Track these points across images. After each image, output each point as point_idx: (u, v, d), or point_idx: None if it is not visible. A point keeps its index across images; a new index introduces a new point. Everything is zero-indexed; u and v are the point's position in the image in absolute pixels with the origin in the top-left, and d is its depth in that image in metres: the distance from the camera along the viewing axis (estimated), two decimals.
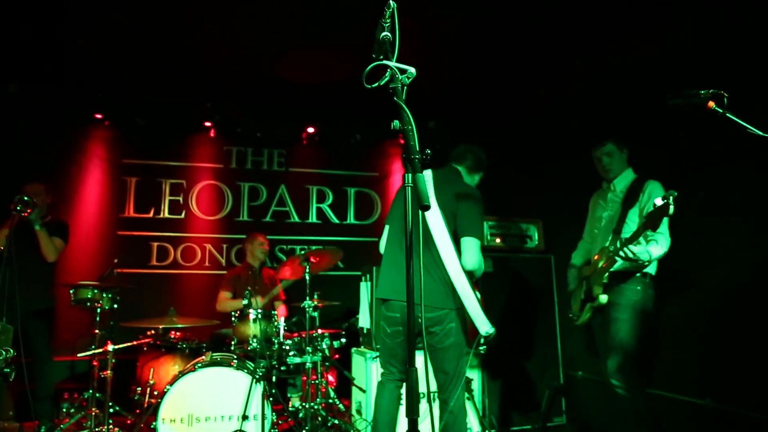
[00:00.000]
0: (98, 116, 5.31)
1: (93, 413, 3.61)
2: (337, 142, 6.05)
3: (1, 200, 3.75)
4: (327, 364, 4.15)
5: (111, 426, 3.52)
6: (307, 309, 3.94)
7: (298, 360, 3.85)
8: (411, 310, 1.50)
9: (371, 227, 6.10)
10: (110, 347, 3.56)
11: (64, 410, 3.85)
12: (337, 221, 6.03)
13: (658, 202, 2.58)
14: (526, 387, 4.39)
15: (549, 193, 5.02)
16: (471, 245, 2.70)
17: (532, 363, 4.46)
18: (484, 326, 2.70)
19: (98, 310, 3.72)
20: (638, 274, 3.09)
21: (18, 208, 3.48)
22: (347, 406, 4.37)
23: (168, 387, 3.26)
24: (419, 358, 1.86)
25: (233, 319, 3.80)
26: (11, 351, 2.20)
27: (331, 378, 4.35)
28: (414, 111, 1.56)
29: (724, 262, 3.20)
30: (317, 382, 3.98)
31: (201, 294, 5.29)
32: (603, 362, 3.19)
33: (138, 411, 3.80)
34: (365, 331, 4.22)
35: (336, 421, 3.94)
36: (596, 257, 3.22)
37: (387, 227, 3.02)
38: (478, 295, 2.76)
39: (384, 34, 1.67)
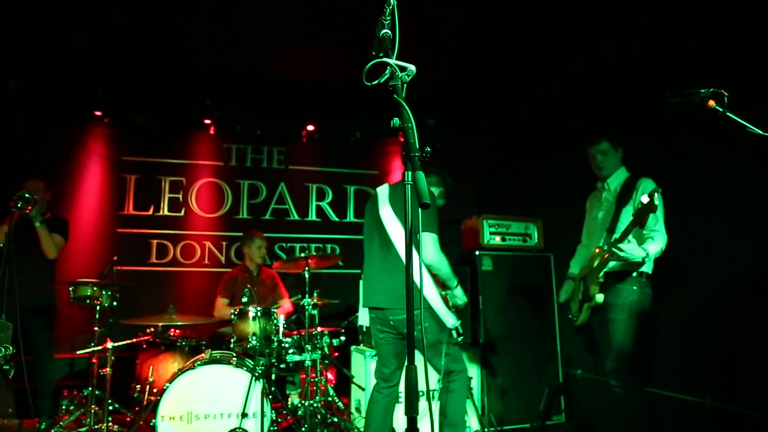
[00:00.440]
0: (98, 113, 5.30)
1: (92, 410, 3.63)
2: (336, 140, 6.04)
3: (0, 197, 3.74)
4: (326, 362, 4.15)
5: (110, 423, 3.52)
6: (307, 307, 3.94)
7: (297, 358, 3.85)
8: (410, 311, 1.50)
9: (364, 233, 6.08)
10: (109, 345, 3.57)
11: (64, 407, 3.85)
12: (336, 219, 6.03)
13: (644, 199, 2.62)
14: (525, 385, 4.39)
15: (549, 192, 5.02)
16: (427, 239, 2.81)
17: (531, 361, 4.46)
18: (450, 320, 2.87)
19: (97, 308, 3.73)
20: (634, 274, 3.09)
21: (18, 205, 3.47)
22: (346, 404, 4.38)
23: (167, 384, 3.26)
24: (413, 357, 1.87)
25: (233, 317, 3.80)
26: (10, 348, 2.19)
27: (330, 376, 4.36)
28: (414, 109, 1.56)
29: (723, 261, 3.20)
30: (316, 380, 3.98)
31: (200, 292, 5.29)
32: (602, 362, 3.20)
33: (137, 408, 3.81)
34: (365, 330, 4.23)
35: (335, 419, 3.94)
36: (592, 257, 3.23)
37: (364, 243, 3.22)
38: (440, 292, 2.93)
39: (384, 31, 1.66)
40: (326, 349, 4.10)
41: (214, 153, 5.76)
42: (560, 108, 5.00)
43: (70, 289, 3.75)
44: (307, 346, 3.86)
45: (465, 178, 6.18)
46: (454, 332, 2.86)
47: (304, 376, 4.01)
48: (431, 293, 2.85)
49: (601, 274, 3.10)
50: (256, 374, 3.37)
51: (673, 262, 3.41)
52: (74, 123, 5.30)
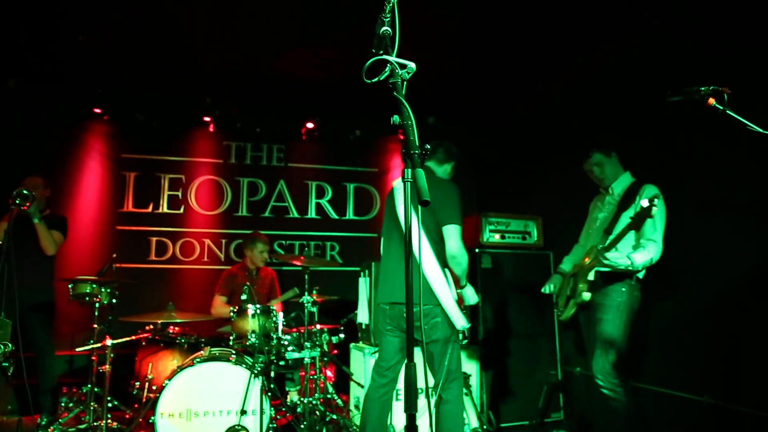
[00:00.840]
0: (97, 111, 5.30)
1: (92, 407, 3.63)
2: (336, 137, 6.04)
3: (0, 194, 3.74)
4: (325, 359, 4.16)
5: (109, 420, 3.53)
6: (306, 304, 3.95)
7: (296, 355, 3.86)
8: (410, 307, 1.51)
9: (370, 223, 6.10)
10: (109, 342, 3.57)
11: (63, 404, 3.85)
12: (336, 217, 6.03)
13: (644, 203, 2.62)
14: (524, 383, 4.40)
15: (548, 191, 5.02)
16: (453, 232, 2.80)
17: (530, 359, 4.47)
18: (460, 321, 2.80)
19: (97, 305, 3.73)
20: (625, 277, 3.10)
21: (17, 201, 3.48)
22: (345, 401, 4.38)
23: (166, 382, 3.26)
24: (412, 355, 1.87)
25: (232, 314, 3.80)
26: (9, 345, 2.20)
27: (329, 373, 4.36)
28: (414, 107, 1.56)
29: (723, 260, 3.20)
30: (316, 377, 3.98)
31: (200, 289, 5.29)
32: (588, 361, 3.21)
33: (136, 405, 3.81)
34: (364, 327, 4.23)
35: (334, 416, 3.95)
36: (585, 254, 3.24)
37: (382, 238, 3.16)
38: (455, 291, 2.87)
39: (384, 29, 1.66)
40: (325, 347, 4.10)
41: (213, 150, 5.75)
42: (560, 107, 5.00)
43: (69, 286, 3.75)
44: (306, 343, 3.86)
45: (465, 176, 6.15)
46: (460, 334, 2.82)
47: (303, 373, 4.01)
48: (444, 292, 2.78)
49: (592, 272, 3.10)
50: (255, 371, 3.37)
51: (673, 262, 3.41)
52: (74, 121, 5.30)
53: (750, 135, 1.83)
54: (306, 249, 5.75)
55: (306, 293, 3.96)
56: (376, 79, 1.64)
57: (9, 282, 2.88)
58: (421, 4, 3.74)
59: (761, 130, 1.83)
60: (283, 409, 3.98)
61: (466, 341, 2.90)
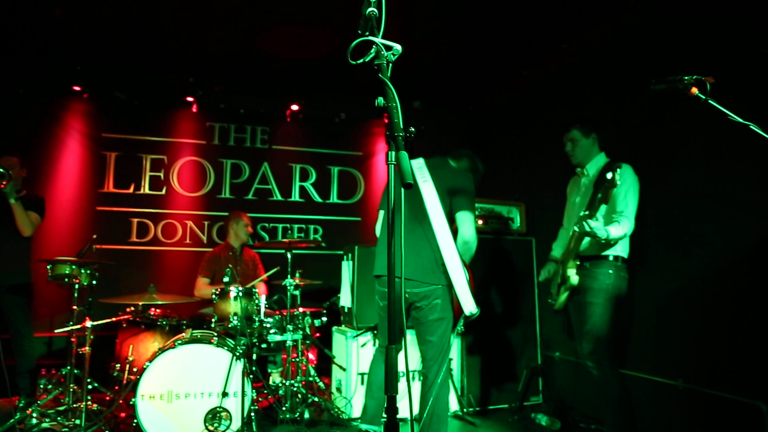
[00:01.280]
0: (76, 88, 5.16)
1: (71, 389, 3.59)
2: (321, 120, 5.99)
3: None
4: (308, 342, 4.17)
5: (89, 402, 3.50)
6: (289, 287, 3.94)
7: (278, 338, 3.86)
8: (391, 286, 1.51)
9: (354, 206, 6.09)
10: (88, 323, 3.53)
11: (42, 386, 3.82)
12: (320, 200, 6.01)
13: (608, 175, 2.65)
14: (505, 367, 4.46)
15: (532, 176, 5.05)
16: (468, 218, 2.86)
17: (511, 343, 4.53)
18: (470, 306, 2.76)
19: (76, 286, 3.67)
20: (611, 258, 3.13)
21: None
22: (327, 384, 4.41)
23: (147, 363, 3.25)
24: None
25: (214, 296, 3.78)
26: None
27: (311, 356, 4.38)
28: (400, 91, 1.55)
29: (700, 248, 3.26)
30: (298, 360, 4.00)
31: (182, 271, 5.25)
32: (578, 344, 3.26)
33: (117, 387, 3.79)
34: (346, 310, 4.24)
35: (316, 399, 3.97)
36: (569, 239, 3.27)
37: (381, 212, 3.17)
38: (468, 276, 2.83)
39: (370, 9, 1.64)
40: (308, 330, 4.12)
41: (196, 131, 5.67)
42: (545, 92, 5.01)
43: (48, 267, 3.69)
44: (288, 326, 3.87)
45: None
46: (462, 319, 2.80)
47: (285, 356, 4.02)
48: (459, 275, 2.77)
49: (576, 255, 3.14)
50: (237, 354, 3.37)
51: (651, 247, 3.47)
52: (52, 98, 5.16)
53: (731, 123, 1.85)
54: (289, 232, 5.73)
55: (289, 276, 3.96)
56: (361, 61, 1.62)
57: None
58: None
59: (741, 120, 1.85)
60: (265, 391, 4.00)
61: (462, 330, 2.89)
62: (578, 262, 3.16)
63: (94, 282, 3.80)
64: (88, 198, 5.25)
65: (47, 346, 4.82)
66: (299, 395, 3.90)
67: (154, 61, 5.15)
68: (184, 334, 3.57)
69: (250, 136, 5.85)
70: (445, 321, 2.84)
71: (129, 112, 5.38)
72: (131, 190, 5.40)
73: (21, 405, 3.67)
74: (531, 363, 4.51)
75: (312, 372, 4.16)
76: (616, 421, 3.12)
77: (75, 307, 3.66)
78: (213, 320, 3.74)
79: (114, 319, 3.84)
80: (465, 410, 4.14)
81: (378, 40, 1.61)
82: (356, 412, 3.83)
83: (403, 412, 1.58)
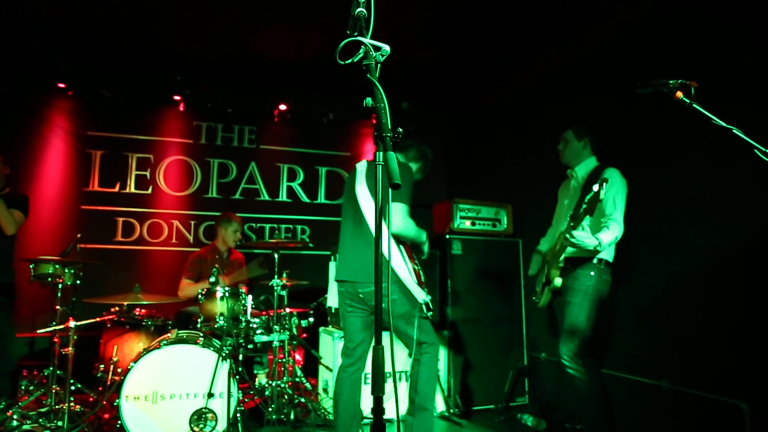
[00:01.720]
0: (61, 86, 5.09)
1: (53, 390, 3.54)
2: (309, 120, 5.97)
3: None
4: (294, 342, 4.15)
5: (72, 403, 3.46)
6: (276, 288, 3.93)
7: (265, 338, 3.85)
8: (378, 288, 1.51)
9: (341, 207, 6.07)
10: (72, 323, 3.48)
11: (23, 388, 3.76)
12: (307, 200, 5.99)
13: (595, 187, 2.67)
14: (491, 368, 4.48)
15: (519, 179, 5.08)
16: (396, 209, 2.87)
17: (497, 344, 4.55)
18: (420, 295, 2.88)
19: (59, 286, 3.63)
20: (594, 260, 3.15)
21: None
22: (314, 384, 4.40)
23: (132, 364, 3.22)
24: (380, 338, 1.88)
25: (200, 296, 3.75)
26: None
27: (298, 357, 4.36)
28: (388, 92, 1.55)
29: (684, 249, 3.30)
30: (284, 360, 3.98)
31: (167, 271, 5.20)
32: (557, 344, 3.29)
33: (101, 388, 3.74)
34: (333, 311, 4.24)
35: (302, 400, 3.96)
36: (556, 241, 3.30)
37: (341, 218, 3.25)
38: (411, 267, 2.94)
39: (359, 10, 1.64)
40: (294, 330, 4.10)
41: (183, 130, 5.63)
42: (533, 95, 5.04)
43: (31, 266, 3.64)
44: (275, 326, 3.85)
45: (437, 162, 6.09)
46: (423, 307, 2.88)
47: (271, 356, 4.01)
48: (401, 268, 2.87)
49: (561, 258, 3.16)
50: (223, 354, 3.35)
51: (635, 249, 3.50)
52: (36, 95, 5.09)
53: (715, 128, 1.88)
54: (276, 232, 5.70)
55: (276, 276, 3.94)
56: (349, 61, 1.62)
57: None
58: None
59: (725, 124, 1.87)
60: (251, 392, 3.97)
61: (431, 313, 2.94)
62: (562, 265, 3.18)
63: (78, 282, 3.75)
64: (72, 197, 5.18)
65: (29, 347, 4.75)
66: (286, 396, 3.88)
67: (140, 58, 5.11)
68: (169, 334, 3.54)
69: (237, 135, 5.82)
70: (410, 312, 2.89)
71: (115, 110, 5.31)
72: (116, 189, 5.34)
73: (1, 407, 3.61)
74: (517, 364, 4.53)
75: (299, 373, 4.15)
76: (596, 421, 3.15)
77: (58, 307, 3.62)
78: (199, 320, 3.71)
79: (98, 319, 3.79)
80: (451, 411, 4.15)
81: (366, 40, 1.61)
82: None
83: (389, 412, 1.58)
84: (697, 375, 3.14)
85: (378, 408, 1.48)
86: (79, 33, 4.58)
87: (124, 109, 5.34)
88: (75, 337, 3.51)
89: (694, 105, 1.96)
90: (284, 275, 4.05)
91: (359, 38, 1.61)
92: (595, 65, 4.20)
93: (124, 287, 4.03)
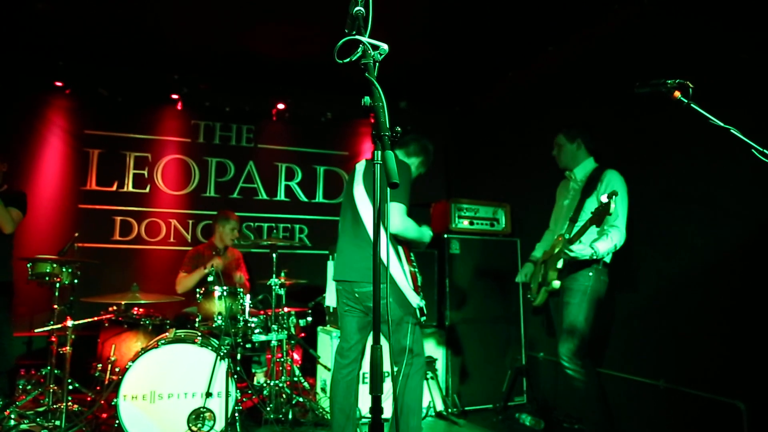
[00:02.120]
0: (59, 84, 5.09)
1: (51, 390, 3.53)
2: (307, 119, 5.97)
3: None
4: (292, 342, 4.15)
5: (70, 403, 3.45)
6: (274, 287, 3.92)
7: (263, 338, 3.84)
8: (377, 288, 1.51)
9: (340, 206, 6.06)
10: (69, 323, 3.47)
11: (21, 387, 3.75)
12: (305, 199, 5.98)
13: (604, 199, 2.68)
14: (489, 367, 4.48)
15: (517, 178, 5.08)
16: (394, 209, 2.83)
17: (496, 344, 4.55)
18: (414, 299, 2.85)
19: (57, 285, 3.62)
20: (593, 262, 3.17)
21: None
22: (312, 384, 4.40)
23: (130, 363, 3.21)
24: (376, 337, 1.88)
25: (198, 296, 3.75)
26: None
27: (296, 356, 4.36)
28: (387, 92, 1.55)
29: (681, 250, 3.30)
30: (282, 360, 3.98)
31: (165, 270, 5.18)
32: (556, 345, 3.29)
33: (98, 388, 3.74)
34: (331, 310, 4.24)
35: (300, 399, 3.95)
36: (554, 243, 3.30)
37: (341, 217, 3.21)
38: (407, 270, 2.90)
39: (357, 8, 1.64)
40: (293, 330, 4.10)
41: (181, 129, 5.62)
42: (530, 95, 5.04)
43: (28, 265, 3.63)
44: (273, 326, 3.85)
45: (435, 161, 6.16)
46: (417, 312, 2.87)
47: (270, 356, 4.00)
48: (397, 271, 2.84)
49: (560, 260, 3.17)
50: (221, 354, 3.34)
51: (634, 248, 3.50)
52: (34, 94, 5.08)
53: (712, 128, 1.88)
54: (274, 231, 5.70)
55: (274, 276, 3.94)
56: (348, 60, 1.61)
57: None
58: None
59: (722, 124, 1.87)
60: (250, 391, 3.97)
61: (424, 318, 2.92)
62: (560, 267, 3.19)
63: (76, 281, 3.74)
64: (70, 195, 5.17)
65: (26, 346, 4.74)
66: (284, 395, 3.88)
67: (138, 57, 5.09)
68: (167, 333, 3.53)
69: (235, 134, 5.81)
70: (403, 316, 2.86)
71: (112, 108, 5.30)
72: (114, 188, 5.33)
73: None
74: (515, 363, 4.54)
75: (297, 372, 4.14)
76: (595, 420, 3.16)
77: (56, 306, 3.61)
78: (197, 320, 3.71)
79: (96, 318, 3.78)
80: (449, 410, 4.15)
81: (365, 39, 1.61)
82: None
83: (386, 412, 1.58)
84: (695, 374, 3.15)
85: (376, 407, 1.48)
86: (77, 31, 4.57)
87: (122, 107, 5.33)
88: (73, 337, 3.50)
89: (692, 105, 1.95)
90: (282, 274, 4.04)
91: (357, 37, 1.61)
92: (594, 65, 4.20)
93: (122, 286, 4.02)
